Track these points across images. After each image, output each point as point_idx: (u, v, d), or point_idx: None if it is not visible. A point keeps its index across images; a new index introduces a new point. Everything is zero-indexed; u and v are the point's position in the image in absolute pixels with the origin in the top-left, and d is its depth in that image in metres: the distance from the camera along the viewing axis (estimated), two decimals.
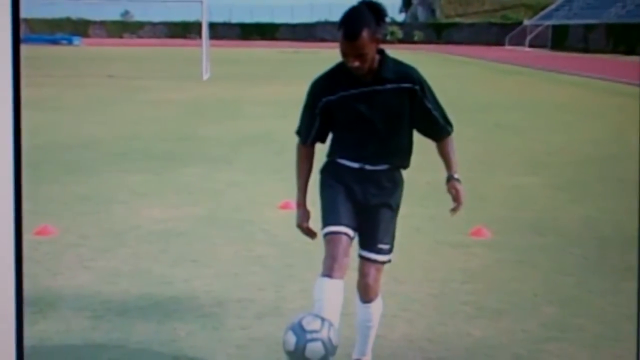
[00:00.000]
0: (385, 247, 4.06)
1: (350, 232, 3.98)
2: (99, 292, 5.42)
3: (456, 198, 4.26)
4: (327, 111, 4.03)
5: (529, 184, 9.61)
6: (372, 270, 4.05)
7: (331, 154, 4.11)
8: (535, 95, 23.02)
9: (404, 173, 4.29)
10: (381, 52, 3.95)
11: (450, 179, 4.32)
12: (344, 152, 4.07)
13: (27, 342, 4.55)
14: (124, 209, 7.98)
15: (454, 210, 4.28)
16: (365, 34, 3.75)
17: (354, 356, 4.22)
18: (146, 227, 7.23)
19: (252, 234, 7.02)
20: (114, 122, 15.52)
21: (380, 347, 4.46)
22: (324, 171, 4.13)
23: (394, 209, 4.16)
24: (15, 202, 2.08)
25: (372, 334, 4.18)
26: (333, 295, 3.86)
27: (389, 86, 3.95)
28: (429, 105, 4.05)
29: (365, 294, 4.07)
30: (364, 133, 4.02)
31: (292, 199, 8.14)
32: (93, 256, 6.29)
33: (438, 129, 4.18)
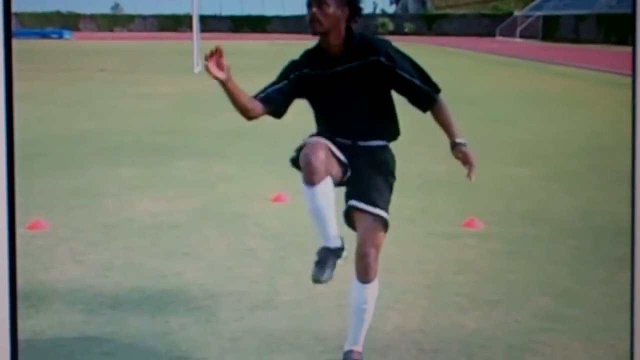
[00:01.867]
0: (372, 198, 4.03)
1: (331, 145, 3.97)
2: (92, 286, 5.41)
3: (465, 161, 4.21)
4: (299, 83, 4.06)
5: (522, 175, 9.62)
6: (371, 230, 3.99)
7: (324, 133, 4.10)
8: (526, 86, 23.04)
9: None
10: (349, 30, 3.97)
11: (453, 145, 4.27)
12: (329, 129, 4.09)
13: (20, 336, 4.53)
14: (116, 202, 7.97)
15: (469, 175, 4.24)
16: (333, 2, 3.87)
17: (346, 347, 4.16)
18: (138, 221, 7.21)
19: (244, 226, 7.01)
20: (106, 115, 15.48)
21: (373, 338, 4.46)
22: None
23: (387, 176, 4.15)
24: (8, 196, 2.07)
25: (367, 319, 4.12)
26: (325, 199, 3.98)
27: (355, 63, 3.97)
28: (403, 74, 4.04)
29: (365, 273, 4.01)
30: (346, 111, 4.05)
31: (285, 191, 8.16)
32: (85, 250, 6.27)
33: (421, 95, 4.15)
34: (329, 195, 3.98)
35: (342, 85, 4.03)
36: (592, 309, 5.03)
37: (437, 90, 4.20)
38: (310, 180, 3.88)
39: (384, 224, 4.04)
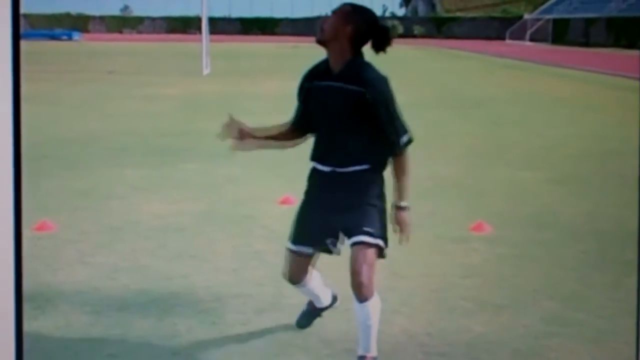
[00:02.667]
0: (369, 229, 4.01)
1: (307, 250, 4.23)
2: (98, 288, 5.42)
3: (401, 230, 4.12)
4: (305, 99, 4.17)
5: (530, 178, 9.60)
6: (363, 259, 3.99)
7: (311, 157, 4.18)
8: (535, 89, 23.00)
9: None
10: (358, 55, 4.02)
11: (394, 207, 4.13)
12: (315, 152, 4.14)
13: (26, 337, 4.55)
14: (123, 204, 7.97)
15: (400, 241, 4.15)
16: (340, 17, 3.95)
17: (359, 353, 4.16)
18: (145, 223, 7.22)
19: (251, 229, 7.01)
20: (114, 117, 15.51)
21: (380, 342, 4.45)
22: (308, 179, 4.22)
23: (372, 205, 4.07)
24: (15, 197, 2.07)
25: (374, 331, 4.13)
26: (309, 294, 4.56)
27: (343, 84, 3.98)
28: (381, 117, 3.97)
29: (359, 292, 4.02)
30: (326, 131, 4.08)
31: (292, 194, 8.15)
32: (92, 252, 6.28)
33: (388, 142, 4.03)
34: (311, 287, 4.49)
35: (328, 101, 4.04)
36: (599, 313, 5.02)
37: (401, 146, 4.05)
38: (292, 282, 4.44)
39: (376, 245, 4.05)
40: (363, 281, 3.98)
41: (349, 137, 4.01)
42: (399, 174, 4.09)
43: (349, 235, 4.05)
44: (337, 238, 4.14)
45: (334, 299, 4.75)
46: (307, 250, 4.24)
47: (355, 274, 4.00)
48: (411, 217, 4.13)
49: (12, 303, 2.10)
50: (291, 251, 4.26)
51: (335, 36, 3.96)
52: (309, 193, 4.21)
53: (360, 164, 4.04)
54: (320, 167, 4.10)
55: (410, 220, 4.11)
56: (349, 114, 3.98)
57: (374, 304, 4.06)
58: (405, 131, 4.03)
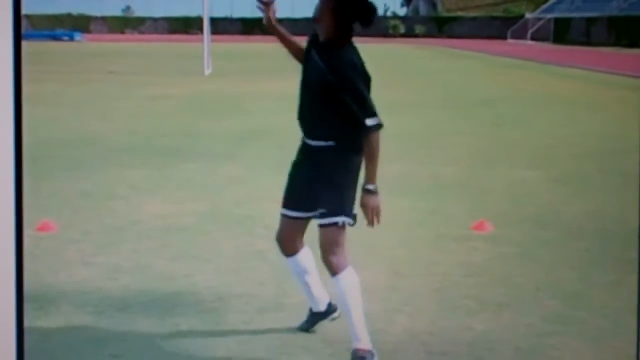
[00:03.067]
0: (324, 210, 4.14)
1: (293, 213, 4.36)
2: (100, 288, 5.42)
3: (365, 211, 4.14)
4: (304, 59, 4.37)
5: (531, 177, 9.59)
6: (325, 238, 4.15)
7: None
8: (537, 88, 22.99)
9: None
10: (344, 37, 4.10)
11: (362, 189, 4.16)
12: (297, 117, 4.31)
13: (28, 338, 4.55)
14: (124, 204, 7.98)
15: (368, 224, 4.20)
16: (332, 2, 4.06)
17: (353, 345, 4.19)
18: (147, 223, 7.22)
19: (253, 229, 7.01)
20: (115, 117, 15.51)
21: (381, 341, 4.45)
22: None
23: (336, 182, 4.14)
24: (16, 198, 2.07)
25: (354, 314, 4.15)
26: (296, 270, 4.51)
27: (319, 61, 4.12)
28: (346, 99, 4.04)
29: (328, 268, 4.19)
30: (303, 99, 4.25)
31: None
32: (94, 252, 6.28)
33: (357, 120, 4.06)
34: (303, 266, 4.46)
35: (307, 71, 4.21)
36: (601, 312, 5.01)
37: (369, 127, 4.07)
38: (283, 253, 4.51)
39: (334, 224, 4.16)
40: (327, 258, 4.15)
41: (318, 111, 4.15)
42: (366, 157, 4.13)
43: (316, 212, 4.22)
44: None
45: (332, 307, 4.62)
46: (292, 213, 4.36)
47: (321, 251, 4.19)
48: (379, 200, 4.12)
49: (13, 303, 2.10)
50: (281, 214, 4.42)
51: (322, 14, 4.08)
52: (295, 158, 4.37)
53: (326, 140, 4.15)
54: (304, 136, 4.30)
55: (377, 204, 4.12)
56: (319, 91, 4.11)
57: (346, 280, 4.16)
58: (372, 114, 4.07)
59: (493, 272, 5.86)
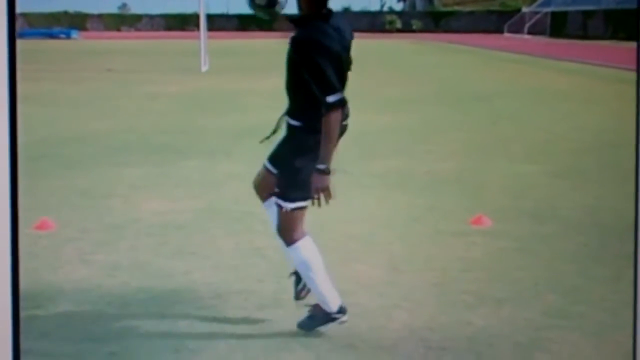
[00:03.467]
0: (276, 190, 4.41)
1: (270, 168, 4.62)
2: (99, 286, 5.41)
3: (313, 191, 4.14)
4: None
5: (529, 172, 9.59)
6: (278, 220, 4.44)
7: None
8: (534, 83, 22.98)
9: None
10: (318, 14, 4.18)
11: (314, 169, 4.16)
12: None
13: (27, 336, 4.54)
14: (123, 202, 7.97)
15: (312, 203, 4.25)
16: None
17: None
18: (145, 220, 7.21)
19: (251, 225, 7.00)
20: (113, 115, 15.49)
21: (380, 336, 4.45)
22: None
23: (297, 166, 4.24)
24: (11, 196, 2.06)
25: (313, 280, 4.43)
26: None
27: (291, 37, 4.22)
28: (306, 75, 4.10)
29: (282, 239, 4.48)
30: (286, 76, 4.33)
31: None
32: (92, 250, 6.27)
33: (316, 98, 4.10)
34: (308, 255, 4.42)
35: (288, 49, 4.28)
36: (600, 306, 5.02)
37: (329, 102, 4.09)
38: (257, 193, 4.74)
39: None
40: (279, 233, 4.44)
41: (292, 90, 4.28)
42: (322, 135, 4.10)
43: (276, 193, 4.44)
44: None
45: (342, 310, 4.53)
46: (269, 168, 4.59)
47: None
48: (328, 181, 4.10)
49: (9, 301, 2.09)
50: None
51: None
52: None
53: (297, 119, 4.25)
54: None
55: (325, 184, 4.10)
56: (291, 68, 4.21)
57: (297, 248, 4.39)
58: (332, 91, 4.08)
59: (492, 267, 5.86)
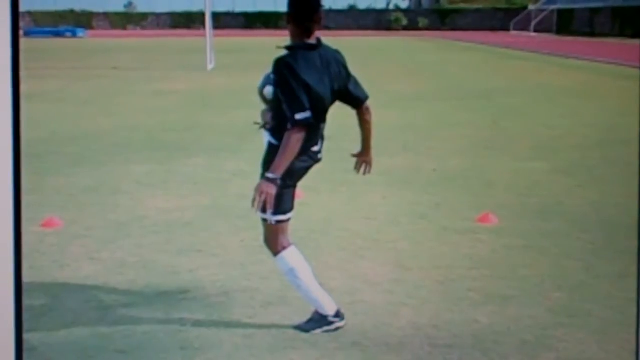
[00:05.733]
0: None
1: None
2: (105, 284, 5.42)
3: (255, 195, 4.29)
4: None
5: (536, 169, 9.57)
6: (264, 232, 4.66)
7: None
8: (540, 80, 22.95)
9: None
10: (297, 41, 4.44)
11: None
12: None
13: (34, 334, 4.56)
14: (129, 200, 7.98)
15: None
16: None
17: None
18: (151, 218, 7.22)
19: (257, 223, 6.93)
20: (119, 113, 15.51)
21: (386, 334, 4.45)
22: None
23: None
24: (14, 194, 2.06)
25: (301, 286, 4.59)
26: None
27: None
28: (279, 90, 4.37)
29: (269, 248, 4.69)
30: None
31: (299, 188, 8.11)
32: (99, 247, 6.28)
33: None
34: (294, 264, 4.58)
35: None
36: (606, 303, 5.01)
37: (293, 121, 4.30)
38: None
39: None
40: (265, 243, 4.68)
41: (273, 109, 4.53)
42: (281, 147, 4.29)
43: None
44: None
45: (339, 315, 4.61)
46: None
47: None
48: (272, 190, 4.22)
49: (12, 300, 2.09)
50: None
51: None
52: None
53: (275, 138, 4.42)
54: None
55: (267, 190, 4.22)
56: (274, 88, 4.48)
57: (282, 258, 4.58)
58: (301, 109, 4.26)
59: (498, 265, 5.86)
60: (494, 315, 4.84)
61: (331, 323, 4.56)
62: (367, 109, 4.63)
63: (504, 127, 13.40)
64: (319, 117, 4.38)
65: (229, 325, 4.68)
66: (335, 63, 4.45)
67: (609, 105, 16.63)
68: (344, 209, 7.57)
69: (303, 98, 4.23)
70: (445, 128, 12.88)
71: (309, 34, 4.38)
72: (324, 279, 5.42)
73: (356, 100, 4.59)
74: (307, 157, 4.45)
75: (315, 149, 4.49)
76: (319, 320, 4.58)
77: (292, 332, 4.57)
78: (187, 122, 14.08)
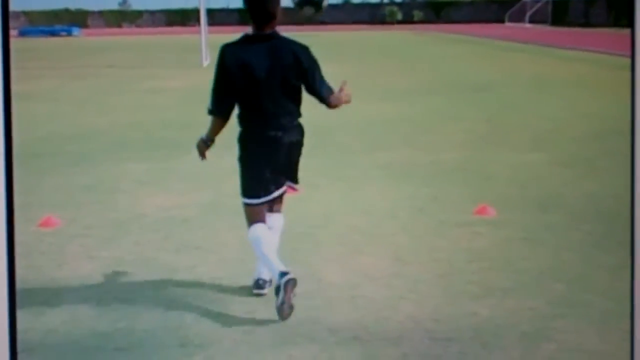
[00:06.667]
0: None
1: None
2: (104, 282, 5.42)
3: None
4: None
5: (534, 161, 9.57)
6: None
7: None
8: (537, 71, 22.94)
9: None
10: (263, 37, 5.07)
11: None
12: None
13: (32, 333, 4.56)
14: (127, 198, 7.97)
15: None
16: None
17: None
18: (150, 216, 7.22)
19: None
20: (115, 111, 15.49)
21: (386, 328, 4.45)
22: None
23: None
24: (7, 193, 2.06)
25: (257, 250, 4.98)
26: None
27: None
28: None
29: None
30: None
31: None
32: (97, 246, 6.28)
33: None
34: (256, 234, 5.08)
35: None
36: (606, 295, 5.01)
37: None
38: None
39: None
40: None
41: None
42: None
43: None
44: None
45: (286, 279, 4.65)
46: None
47: None
48: (199, 143, 5.71)
49: (6, 300, 2.09)
50: None
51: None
52: None
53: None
54: None
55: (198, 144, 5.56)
56: None
57: (249, 231, 5.22)
58: (211, 101, 5.54)
59: (497, 257, 5.86)
60: (494, 307, 4.84)
61: (258, 287, 5.08)
62: (336, 106, 5.01)
63: (501, 119, 13.40)
64: (252, 102, 5.25)
65: (228, 321, 4.68)
66: (291, 55, 4.86)
67: (606, 95, 16.62)
68: (343, 203, 7.57)
69: (216, 92, 5.43)
70: (442, 121, 12.88)
71: (262, 26, 4.88)
72: (323, 274, 5.43)
73: (317, 96, 4.97)
74: (265, 142, 5.20)
75: (273, 134, 5.15)
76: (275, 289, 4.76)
77: (291, 327, 4.57)
78: (184, 119, 14.05)
